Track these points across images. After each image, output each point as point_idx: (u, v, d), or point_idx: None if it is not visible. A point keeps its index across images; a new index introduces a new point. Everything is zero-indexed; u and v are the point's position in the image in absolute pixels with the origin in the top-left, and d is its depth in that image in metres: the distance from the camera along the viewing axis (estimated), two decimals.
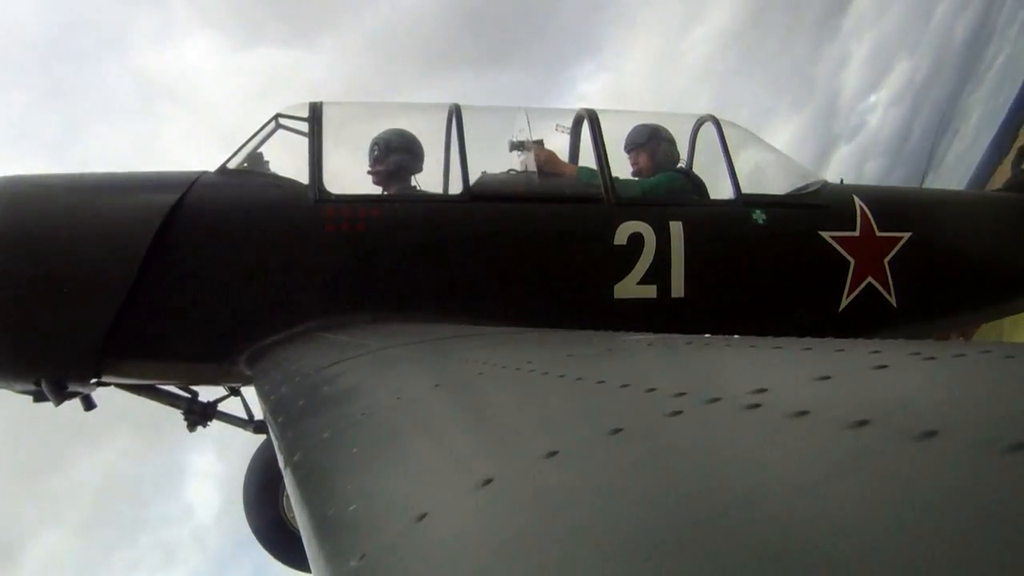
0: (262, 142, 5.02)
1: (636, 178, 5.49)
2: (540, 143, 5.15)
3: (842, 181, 5.89)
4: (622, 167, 5.42)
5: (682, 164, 5.64)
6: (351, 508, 1.20)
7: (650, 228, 4.91)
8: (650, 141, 5.52)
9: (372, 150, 5.12)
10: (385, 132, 5.14)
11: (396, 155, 5.09)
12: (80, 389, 4.67)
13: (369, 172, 5.11)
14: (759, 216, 5.19)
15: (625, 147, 5.55)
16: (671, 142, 5.57)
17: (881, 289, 5.43)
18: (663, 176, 5.40)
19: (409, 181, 5.12)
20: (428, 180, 5.18)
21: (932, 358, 1.19)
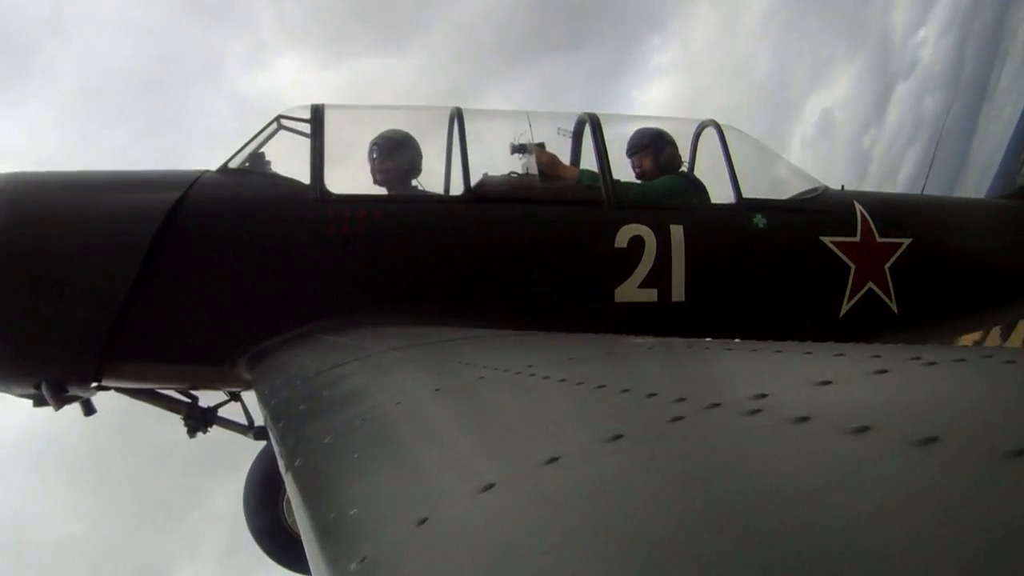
0: (264, 142, 5.02)
1: (639, 181, 5.49)
2: (542, 146, 5.15)
3: (843, 187, 5.89)
4: (623, 170, 5.42)
5: (684, 168, 5.64)
6: (352, 512, 1.20)
7: (651, 231, 4.91)
8: (653, 144, 5.52)
9: (372, 151, 5.12)
10: (384, 133, 5.14)
11: (396, 156, 5.09)
12: (80, 393, 4.66)
13: (370, 172, 5.11)
14: (760, 221, 5.19)
15: (628, 151, 5.55)
16: (674, 146, 5.58)
17: (882, 295, 5.43)
18: (666, 178, 5.40)
19: (409, 183, 5.13)
20: (429, 182, 5.19)
21: (933, 363, 1.19)
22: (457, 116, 5.08)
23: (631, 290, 4.88)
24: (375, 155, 5.11)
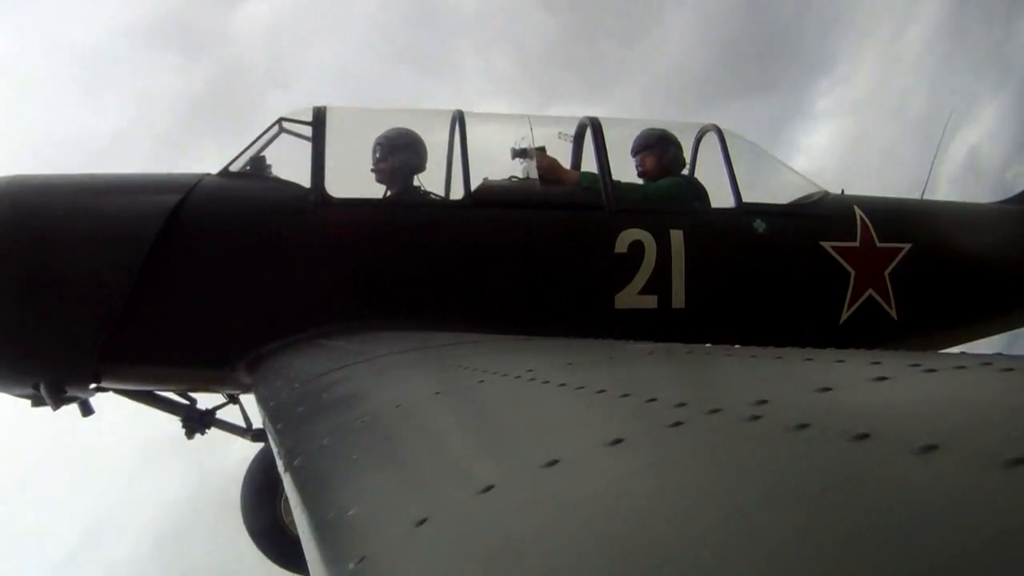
0: (265, 146, 5.03)
1: (642, 181, 5.49)
2: (542, 150, 5.16)
3: (843, 191, 5.89)
4: (625, 172, 5.42)
5: (685, 171, 5.64)
6: (350, 512, 1.20)
7: (651, 236, 4.91)
8: (658, 144, 5.52)
9: (375, 148, 5.12)
10: (388, 131, 5.14)
11: (400, 153, 5.09)
12: (79, 394, 4.66)
13: (372, 170, 5.11)
14: (760, 225, 5.18)
15: (633, 149, 5.55)
16: (679, 147, 5.58)
17: (881, 301, 5.42)
18: (668, 180, 5.40)
19: (412, 180, 5.13)
20: (430, 185, 5.19)
21: (932, 370, 1.19)
22: (459, 119, 5.09)
23: (631, 296, 4.88)
24: (377, 153, 5.11)
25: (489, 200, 4.93)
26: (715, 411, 1.11)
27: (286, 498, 2.21)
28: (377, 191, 5.08)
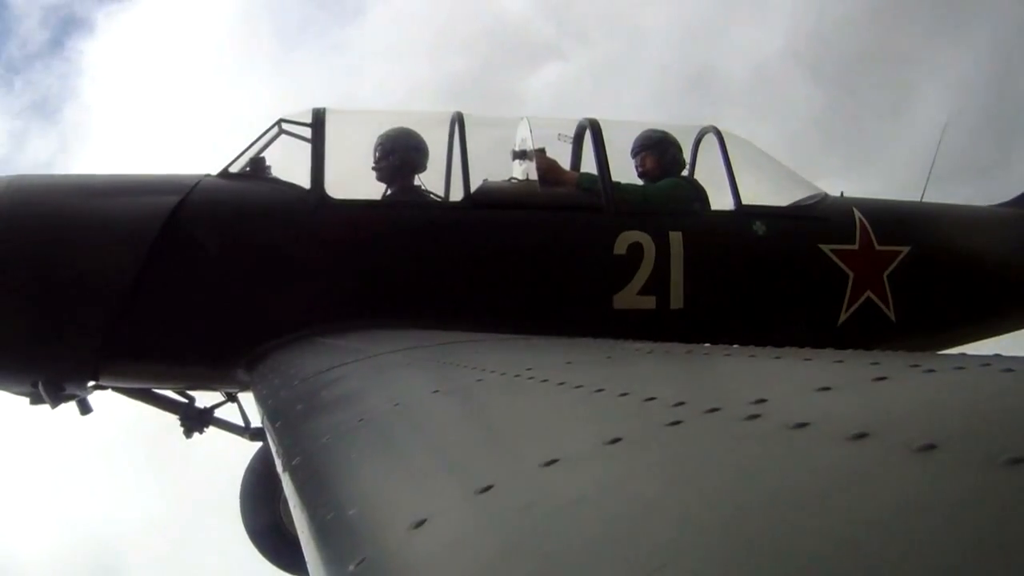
0: (265, 147, 5.02)
1: (642, 181, 5.49)
2: (542, 151, 5.15)
3: (842, 194, 5.88)
4: (625, 172, 5.41)
5: (684, 173, 5.64)
6: (350, 513, 1.20)
7: (650, 238, 4.91)
8: (659, 145, 5.51)
9: (376, 147, 5.12)
10: (390, 130, 5.14)
11: (401, 152, 5.09)
12: (77, 392, 4.65)
13: (373, 168, 5.11)
14: (759, 228, 5.18)
15: (633, 150, 5.55)
16: (679, 149, 5.57)
17: (880, 303, 5.42)
18: (668, 182, 5.40)
19: (413, 179, 5.12)
20: (430, 186, 5.19)
21: (931, 371, 1.20)
22: (458, 121, 5.09)
23: (630, 297, 4.88)
24: (378, 151, 5.11)
25: (488, 201, 4.93)
26: (714, 410, 1.11)
27: (285, 498, 2.20)
28: (376, 193, 5.08)
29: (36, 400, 4.56)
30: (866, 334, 5.27)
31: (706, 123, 5.69)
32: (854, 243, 5.43)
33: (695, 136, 5.68)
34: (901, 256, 5.52)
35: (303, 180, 4.76)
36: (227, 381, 4.75)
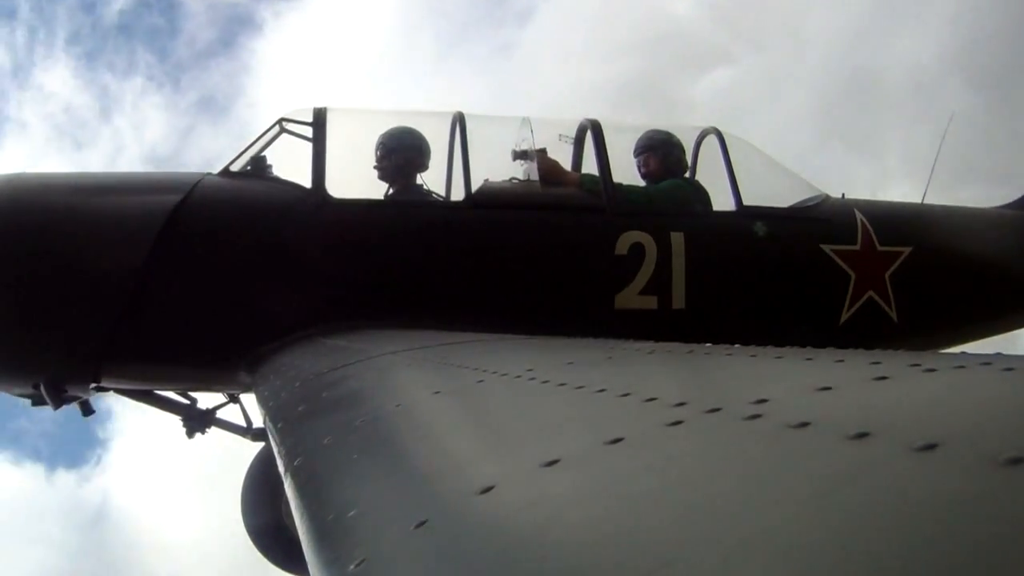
0: (266, 146, 5.03)
1: (644, 182, 5.49)
2: (543, 152, 5.16)
3: (843, 195, 5.88)
4: (627, 173, 5.42)
5: (687, 175, 5.64)
6: (351, 514, 1.20)
7: (651, 238, 4.91)
8: (663, 146, 5.52)
9: (378, 146, 5.12)
10: (392, 129, 5.14)
11: (402, 151, 5.09)
12: (79, 393, 4.66)
13: (375, 167, 5.11)
14: (760, 228, 5.18)
15: (636, 150, 5.55)
16: (682, 150, 5.58)
17: (882, 303, 5.42)
18: (670, 183, 5.40)
19: (415, 179, 5.13)
20: (431, 186, 5.19)
21: (932, 370, 1.19)
22: (459, 121, 5.09)
23: (631, 297, 4.88)
24: (380, 150, 5.11)
25: (490, 202, 4.93)
26: (715, 410, 1.11)
27: (287, 498, 2.21)
28: (377, 192, 5.08)
29: (38, 401, 4.56)
30: (868, 334, 5.27)
31: (708, 124, 5.69)
32: (856, 244, 5.43)
33: (696, 137, 5.69)
34: (903, 257, 5.52)
35: (304, 179, 4.76)
36: (229, 382, 4.75)
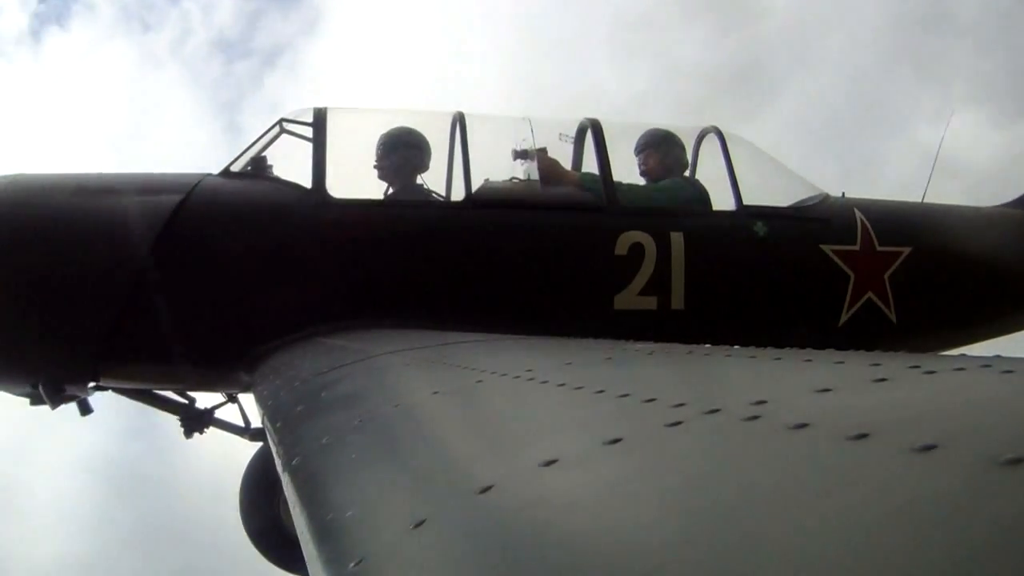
0: (266, 146, 5.03)
1: (644, 180, 5.49)
2: (543, 151, 5.15)
3: (843, 194, 5.88)
4: (627, 172, 5.41)
5: (687, 173, 5.64)
6: (349, 513, 1.20)
7: (651, 238, 4.91)
8: (663, 144, 5.52)
9: (378, 146, 5.12)
10: (392, 128, 5.14)
11: (403, 151, 5.09)
12: (78, 393, 4.65)
13: (375, 167, 5.11)
14: (760, 228, 5.18)
15: (637, 148, 5.55)
16: (682, 149, 5.58)
17: (881, 304, 5.42)
18: (670, 182, 5.40)
19: (415, 178, 5.12)
20: (432, 185, 5.19)
21: (932, 372, 1.19)
22: (459, 120, 5.09)
23: (631, 297, 4.87)
24: (380, 150, 5.11)
25: (490, 201, 4.93)
26: (714, 411, 1.11)
27: (285, 498, 2.21)
28: (377, 192, 5.08)
29: (36, 401, 4.56)
30: (867, 335, 5.27)
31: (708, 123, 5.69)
32: (855, 244, 5.43)
33: (696, 136, 5.68)
34: (902, 257, 5.52)
35: (304, 179, 4.76)
36: (228, 382, 4.75)
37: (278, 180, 4.92)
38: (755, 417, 1.02)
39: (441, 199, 5.16)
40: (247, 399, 5.12)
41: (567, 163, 5.42)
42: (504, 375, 2.01)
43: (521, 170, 5.18)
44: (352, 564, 0.99)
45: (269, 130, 5.07)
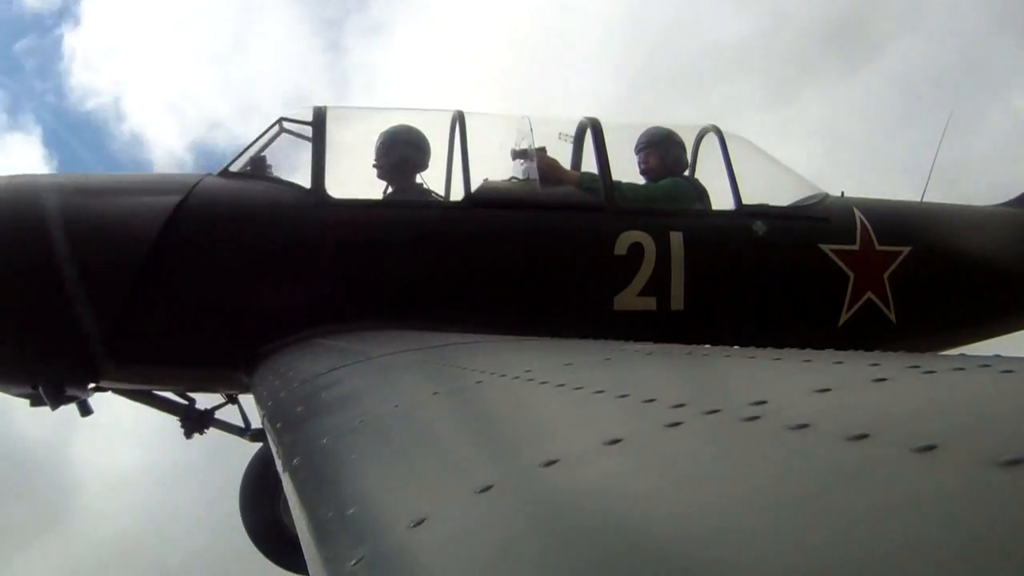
0: (266, 146, 5.03)
1: (644, 179, 5.49)
2: (543, 151, 5.15)
3: (843, 194, 5.88)
4: (627, 171, 5.41)
5: (686, 173, 5.64)
6: (349, 512, 1.20)
7: (650, 238, 4.91)
8: (663, 143, 5.52)
9: (378, 145, 5.12)
10: (392, 127, 5.14)
11: (402, 149, 5.09)
12: (78, 394, 4.66)
13: (374, 166, 5.10)
14: (760, 228, 5.18)
15: (637, 147, 5.55)
16: (683, 148, 5.58)
17: (880, 304, 5.42)
18: (670, 181, 5.40)
19: (414, 178, 5.12)
20: (431, 185, 5.19)
21: (931, 372, 1.20)
22: (459, 120, 5.08)
23: (630, 298, 4.87)
24: (380, 149, 5.11)
25: (489, 201, 4.93)
26: (713, 411, 1.11)
27: (285, 498, 2.20)
28: (377, 192, 5.08)
29: (36, 402, 4.56)
30: (866, 335, 5.27)
31: (708, 123, 5.69)
32: (855, 243, 5.43)
33: (696, 135, 5.68)
34: (902, 256, 5.52)
35: (304, 179, 4.76)
36: (228, 383, 4.75)
37: (277, 180, 4.92)
38: (755, 417, 1.02)
39: (440, 199, 5.16)
40: (247, 400, 5.12)
41: (567, 163, 5.42)
42: (504, 375, 2.01)
43: (520, 170, 5.19)
44: (352, 563, 0.99)
45: (268, 129, 5.07)
